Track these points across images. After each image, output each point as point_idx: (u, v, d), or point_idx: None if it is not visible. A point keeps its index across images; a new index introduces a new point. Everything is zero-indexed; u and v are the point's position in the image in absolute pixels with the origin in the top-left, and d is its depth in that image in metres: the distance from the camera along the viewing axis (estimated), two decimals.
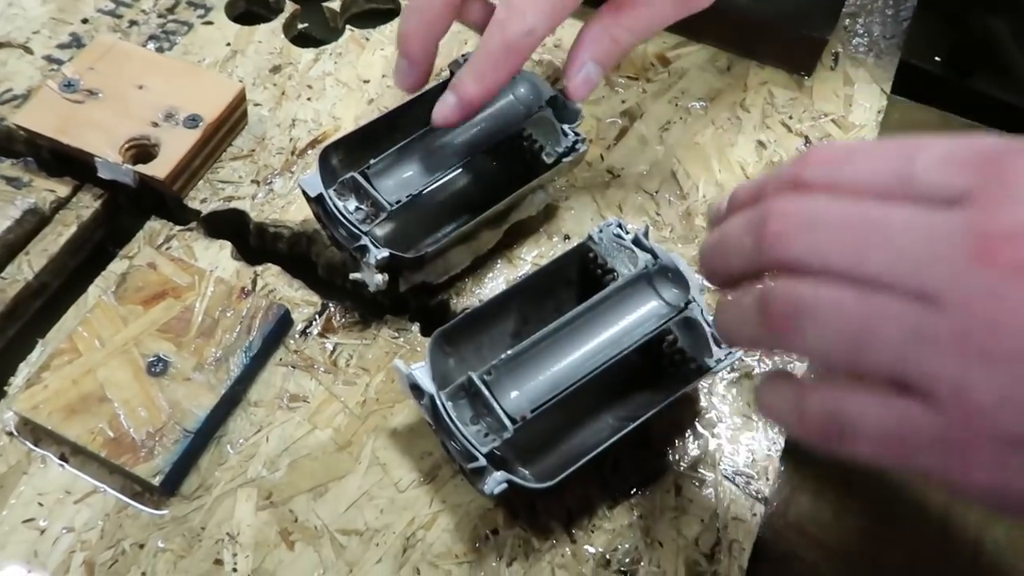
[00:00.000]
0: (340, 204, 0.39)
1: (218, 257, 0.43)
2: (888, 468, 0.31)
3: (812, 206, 0.24)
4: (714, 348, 0.37)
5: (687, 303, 0.37)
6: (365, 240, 0.39)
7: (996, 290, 0.21)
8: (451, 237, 0.40)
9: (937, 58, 0.59)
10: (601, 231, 0.39)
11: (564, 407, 0.36)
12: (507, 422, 0.33)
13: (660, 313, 0.37)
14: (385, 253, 0.39)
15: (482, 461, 0.33)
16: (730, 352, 0.36)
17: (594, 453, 0.34)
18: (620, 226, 0.39)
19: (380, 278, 0.39)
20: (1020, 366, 0.21)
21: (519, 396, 0.36)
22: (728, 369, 0.41)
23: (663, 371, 0.38)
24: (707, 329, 0.37)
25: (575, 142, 0.42)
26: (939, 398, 0.22)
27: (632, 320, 0.37)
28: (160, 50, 0.52)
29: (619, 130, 0.50)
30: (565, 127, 0.42)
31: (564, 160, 0.42)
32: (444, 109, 0.38)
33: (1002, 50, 0.52)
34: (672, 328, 0.38)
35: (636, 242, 0.38)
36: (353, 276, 0.40)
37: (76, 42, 0.52)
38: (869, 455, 0.24)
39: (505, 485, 0.32)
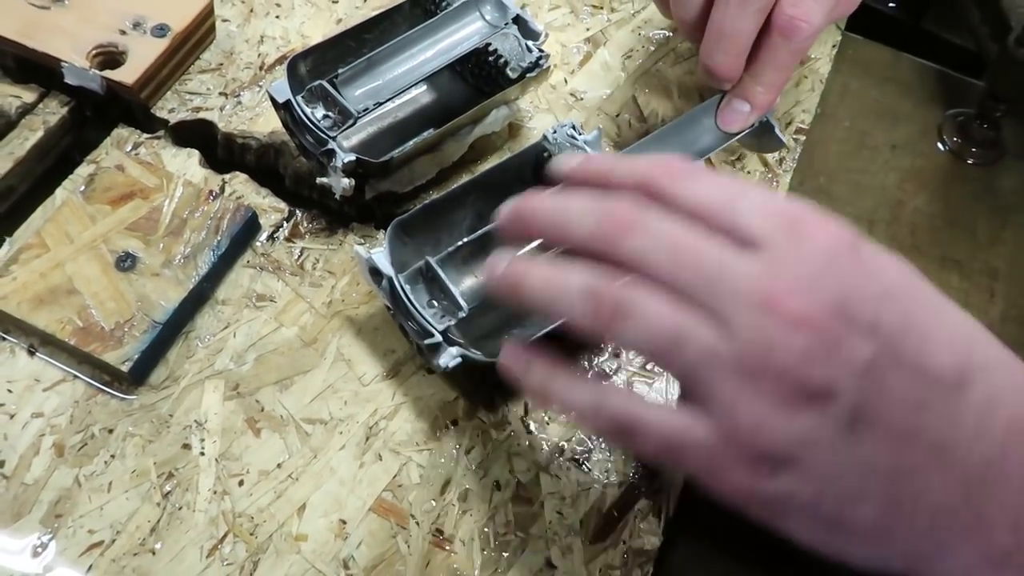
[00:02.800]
0: (308, 111, 0.40)
1: (186, 164, 0.44)
2: (663, 465, 0.36)
3: (651, 218, 0.28)
4: None
5: None
6: (332, 144, 0.40)
7: (771, 332, 0.25)
8: (415, 146, 0.41)
9: (892, 3, 0.61)
10: (555, 131, 0.40)
11: None
12: (462, 303, 0.35)
13: None
14: (351, 157, 0.40)
15: (438, 337, 0.34)
16: None
17: (540, 333, 0.36)
18: (574, 127, 0.41)
19: (346, 182, 0.40)
20: (777, 395, 0.25)
21: (473, 283, 0.38)
22: None
23: None
24: None
25: (538, 58, 0.43)
26: (713, 412, 0.26)
27: None
28: None
29: (583, 55, 0.51)
30: (529, 43, 0.44)
31: (528, 76, 0.43)
32: (737, 118, 0.41)
33: None
34: None
35: (589, 142, 0.40)
36: (320, 180, 0.41)
37: None
38: (651, 453, 0.28)
39: (459, 359, 0.34)
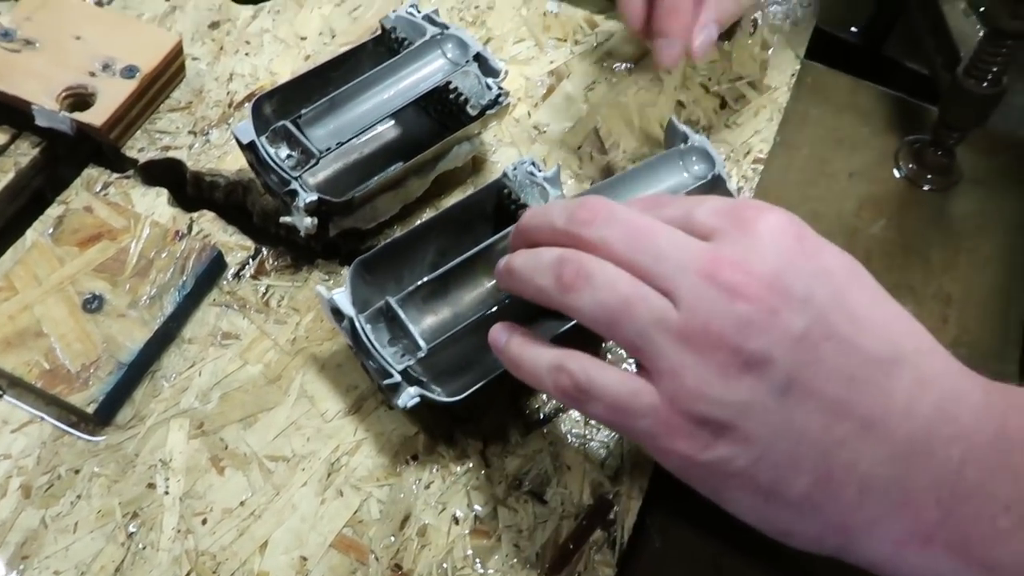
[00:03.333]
0: (272, 151, 0.41)
1: (155, 203, 0.45)
2: (614, 430, 0.38)
3: (617, 207, 0.31)
4: None
5: None
6: (295, 184, 0.41)
7: (713, 301, 0.28)
8: (378, 183, 0.42)
9: (854, 28, 0.62)
10: (515, 168, 0.41)
11: (480, 330, 0.38)
12: (421, 343, 0.36)
13: None
14: (314, 197, 0.41)
15: (397, 377, 0.35)
16: None
17: (496, 373, 0.37)
18: (533, 164, 0.41)
19: (309, 221, 0.41)
20: (716, 362, 0.27)
21: (434, 321, 0.39)
22: None
23: None
24: None
25: (498, 96, 0.44)
26: (660, 376, 0.28)
27: None
28: (99, 4, 0.52)
29: (547, 88, 0.52)
30: (489, 81, 0.45)
31: (488, 112, 0.44)
32: (670, 51, 0.42)
33: (910, 20, 0.56)
34: None
35: (548, 179, 0.41)
36: (284, 220, 0.42)
37: None
38: (602, 417, 0.30)
39: (417, 399, 0.35)
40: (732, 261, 0.28)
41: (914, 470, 0.28)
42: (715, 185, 0.43)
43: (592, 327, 0.30)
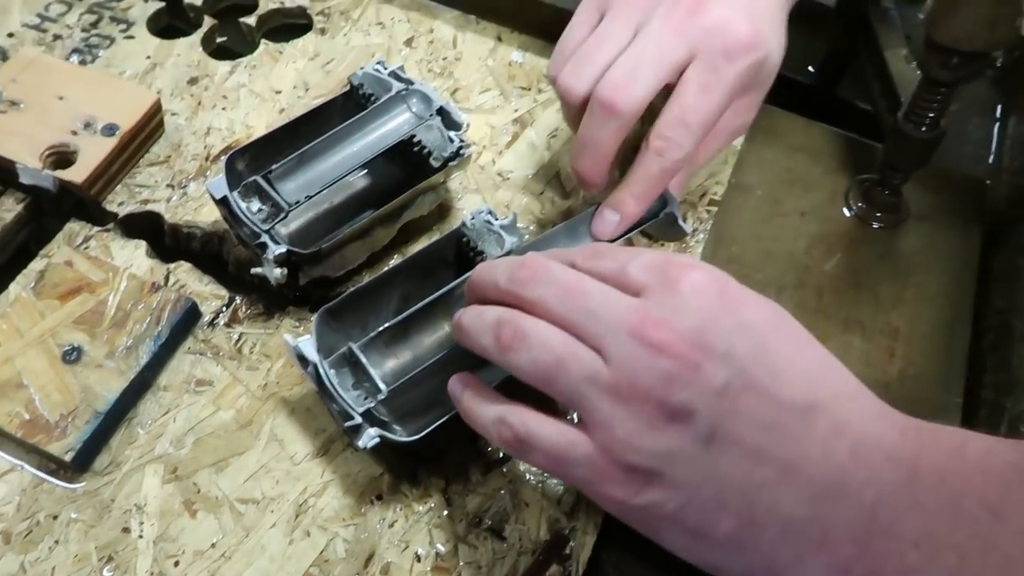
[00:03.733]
0: (243, 205, 0.44)
1: (133, 255, 0.47)
2: (554, 477, 0.40)
3: (554, 267, 0.33)
4: None
5: None
6: (264, 237, 0.43)
7: (639, 358, 0.30)
8: (345, 234, 0.45)
9: (811, 67, 0.64)
10: (473, 217, 0.44)
11: (441, 372, 0.41)
12: (381, 386, 0.38)
13: None
14: (283, 249, 0.43)
15: (358, 420, 0.37)
16: None
17: (452, 413, 0.39)
18: (490, 212, 0.44)
19: (279, 272, 0.43)
20: (644, 414, 0.29)
21: (396, 364, 0.41)
22: None
23: None
24: None
25: (459, 148, 0.47)
26: (594, 428, 0.30)
27: None
28: (83, 63, 0.55)
29: (511, 136, 0.54)
30: (452, 134, 0.47)
31: (450, 164, 0.47)
32: (607, 226, 0.44)
33: (858, 62, 0.58)
34: None
35: (505, 227, 0.43)
36: (255, 271, 0.44)
37: (2, 55, 0.55)
38: (542, 465, 0.33)
39: (377, 439, 0.37)
40: (657, 319, 0.30)
41: (831, 511, 0.29)
42: (670, 224, 0.45)
43: (531, 384, 0.32)
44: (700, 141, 0.42)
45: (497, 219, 0.44)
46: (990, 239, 0.55)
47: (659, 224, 0.45)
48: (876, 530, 0.29)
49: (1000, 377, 0.47)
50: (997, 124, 0.64)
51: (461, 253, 0.45)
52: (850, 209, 0.54)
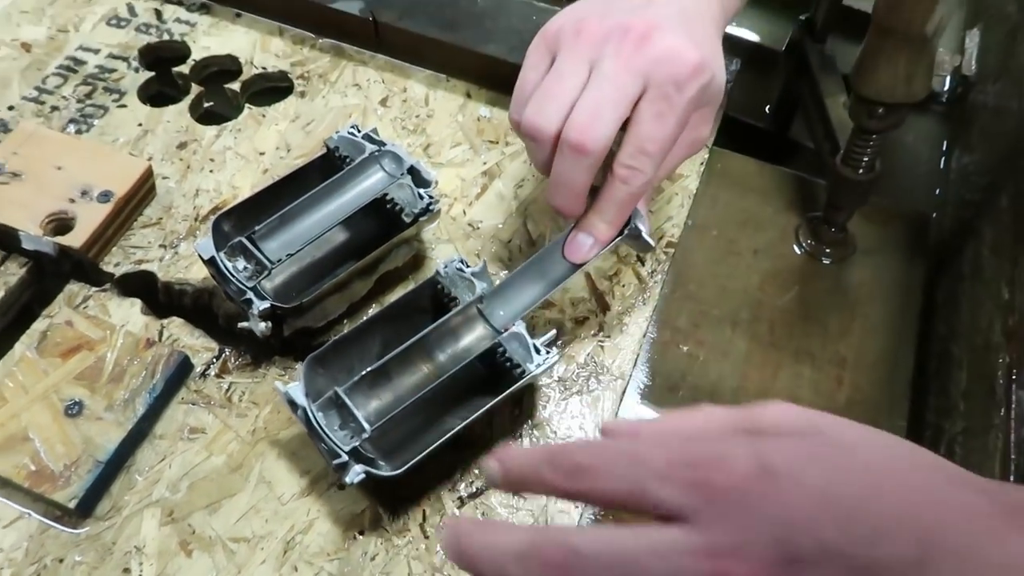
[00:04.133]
0: (229, 264, 0.47)
1: (129, 313, 0.51)
2: None
3: (580, 546, 0.27)
4: (534, 356, 0.45)
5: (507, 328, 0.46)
6: (250, 294, 0.46)
7: None
8: (325, 287, 0.48)
9: (768, 108, 0.68)
10: (446, 266, 0.47)
11: (422, 411, 0.44)
12: (365, 425, 0.41)
13: (489, 333, 0.47)
14: (267, 304, 0.46)
15: (344, 458, 0.41)
16: (546, 359, 0.45)
17: (431, 448, 0.42)
18: (462, 261, 0.47)
19: (264, 326, 0.46)
20: None
21: (379, 404, 0.45)
22: (556, 380, 0.49)
23: (499, 377, 0.46)
24: (530, 342, 0.45)
25: (428, 204, 0.50)
26: None
27: (468, 340, 0.47)
28: (79, 132, 0.59)
29: (480, 187, 0.58)
30: (421, 191, 0.51)
31: (420, 219, 0.50)
32: (581, 250, 0.46)
33: (804, 107, 0.62)
34: (502, 342, 0.46)
35: (476, 274, 0.47)
36: (241, 325, 0.47)
37: (3, 127, 0.59)
38: None
39: (363, 475, 0.41)
40: (729, 556, 0.26)
41: None
42: (635, 238, 0.48)
43: None
44: (660, 164, 0.45)
45: (468, 267, 0.48)
46: (936, 269, 0.59)
47: (626, 240, 0.48)
48: None
49: (941, 401, 0.51)
50: (943, 158, 0.68)
51: (436, 299, 0.49)
52: (800, 246, 0.57)
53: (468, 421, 0.44)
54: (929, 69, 0.45)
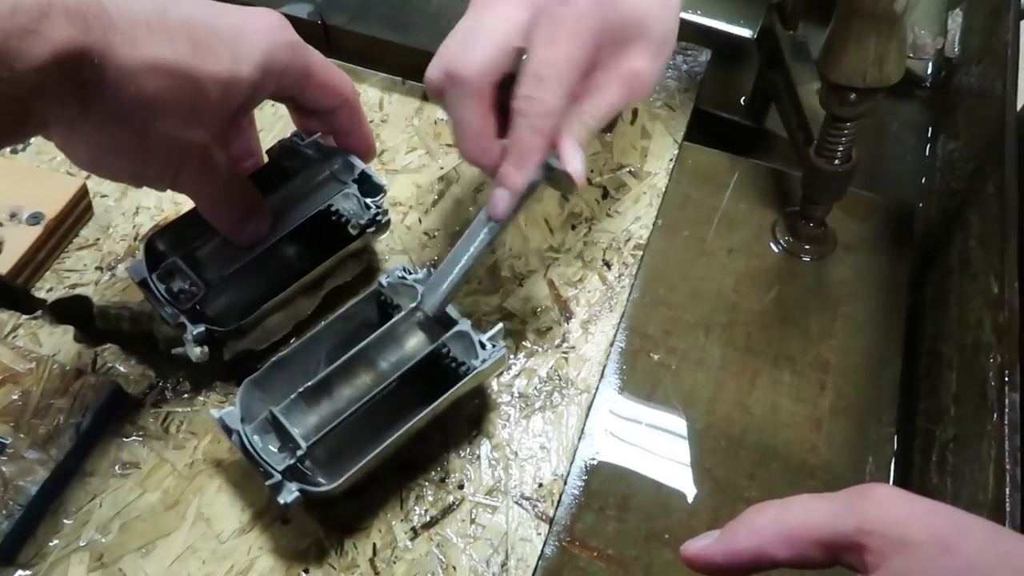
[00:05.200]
0: (162, 287, 0.44)
1: (61, 341, 0.48)
2: None
3: None
4: (479, 352, 0.42)
5: (454, 321, 0.43)
6: (182, 318, 0.43)
7: None
8: (266, 307, 0.45)
9: (742, 100, 0.65)
10: (388, 276, 0.44)
11: (366, 424, 0.42)
12: (300, 442, 0.39)
13: (433, 336, 0.44)
14: (201, 328, 0.43)
15: (277, 477, 0.38)
16: (491, 353, 0.42)
17: (371, 456, 0.39)
18: (404, 269, 0.44)
19: (199, 351, 0.43)
20: None
21: (317, 420, 0.42)
22: (518, 396, 0.46)
23: (446, 381, 0.43)
24: (474, 337, 0.42)
25: (376, 215, 0.47)
26: None
27: (411, 346, 0.45)
28: (14, 151, 0.56)
29: (437, 194, 0.55)
30: (368, 201, 0.48)
31: (367, 232, 0.47)
32: (501, 203, 0.42)
33: (778, 96, 0.59)
34: (446, 342, 0.43)
35: (419, 281, 0.44)
36: (176, 351, 0.44)
37: None
38: None
39: (297, 494, 0.38)
40: None
41: None
42: (550, 171, 0.43)
43: None
44: (564, 93, 0.40)
45: (411, 274, 0.45)
46: (922, 263, 0.56)
47: (545, 180, 0.43)
48: None
49: (931, 404, 0.47)
50: (928, 145, 0.64)
51: (382, 310, 0.46)
52: (777, 243, 0.54)
53: (411, 423, 0.41)
54: (901, 50, 0.42)
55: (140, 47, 0.35)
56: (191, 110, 0.37)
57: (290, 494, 0.38)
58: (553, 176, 0.43)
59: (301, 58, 0.42)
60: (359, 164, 0.48)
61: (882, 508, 0.28)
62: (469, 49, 0.39)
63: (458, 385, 0.41)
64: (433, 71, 0.42)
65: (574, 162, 0.41)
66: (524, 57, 0.40)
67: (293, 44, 0.41)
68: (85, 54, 0.34)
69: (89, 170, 0.41)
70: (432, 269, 0.45)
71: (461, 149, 0.42)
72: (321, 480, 0.41)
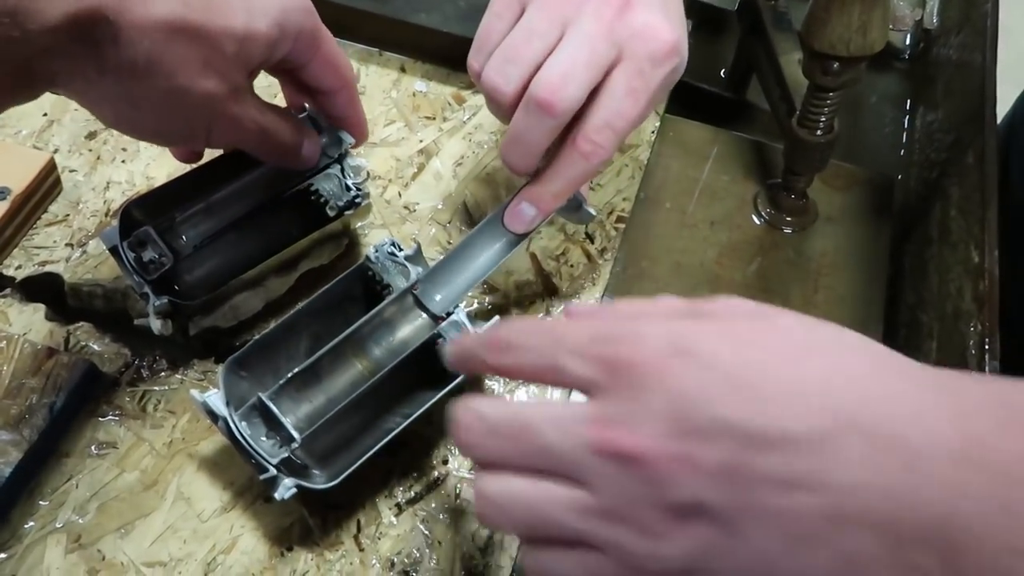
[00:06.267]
0: (131, 255, 0.43)
1: (32, 320, 0.46)
2: None
3: (487, 414, 0.30)
4: None
5: (449, 313, 0.42)
6: (147, 288, 0.42)
7: (616, 476, 0.27)
8: (234, 284, 0.44)
9: (723, 71, 0.65)
10: (377, 251, 0.43)
11: (358, 412, 0.41)
12: (295, 434, 0.38)
13: (427, 323, 0.43)
14: (164, 300, 0.42)
15: (272, 472, 0.37)
16: None
17: (368, 454, 0.39)
18: (394, 244, 0.43)
19: (159, 323, 0.42)
20: (650, 527, 0.27)
21: (309, 408, 0.41)
22: (503, 381, 0.46)
23: (441, 370, 0.42)
24: (471, 329, 0.42)
25: (355, 197, 0.46)
26: (609, 551, 0.28)
27: (404, 331, 0.43)
28: None
29: (417, 167, 0.54)
30: (349, 182, 0.47)
31: (346, 213, 0.46)
32: (524, 219, 0.43)
33: (759, 67, 0.59)
34: (441, 332, 0.42)
35: (409, 258, 0.43)
36: (137, 322, 0.43)
37: None
38: None
39: (294, 489, 0.37)
40: (618, 426, 0.27)
41: (904, 541, 0.25)
42: (576, 209, 0.45)
43: (529, 537, 0.30)
44: (622, 142, 0.42)
45: (401, 250, 0.44)
46: (903, 234, 0.56)
47: (567, 209, 0.45)
48: (960, 545, 0.25)
49: None
50: (907, 117, 0.64)
51: (368, 288, 0.45)
52: (759, 216, 0.54)
53: (409, 420, 0.40)
54: (884, 18, 0.42)
55: (153, 5, 0.35)
56: (207, 65, 0.37)
57: (288, 490, 0.37)
58: (572, 207, 0.45)
59: (313, 23, 0.42)
60: (348, 140, 0.47)
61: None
62: (568, 85, 0.39)
63: (456, 382, 0.41)
64: (479, 69, 0.42)
65: (511, 212, 0.44)
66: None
67: (307, 8, 0.41)
68: (98, 13, 0.33)
69: (116, 127, 0.40)
70: (418, 242, 0.44)
71: (509, 155, 0.42)
72: (315, 472, 0.40)
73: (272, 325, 0.46)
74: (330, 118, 0.46)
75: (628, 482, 0.27)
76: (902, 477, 0.25)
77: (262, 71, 0.42)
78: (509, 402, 0.32)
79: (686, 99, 0.62)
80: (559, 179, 0.42)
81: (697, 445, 0.26)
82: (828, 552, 0.26)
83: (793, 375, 0.27)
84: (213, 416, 0.39)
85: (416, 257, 0.44)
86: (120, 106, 0.38)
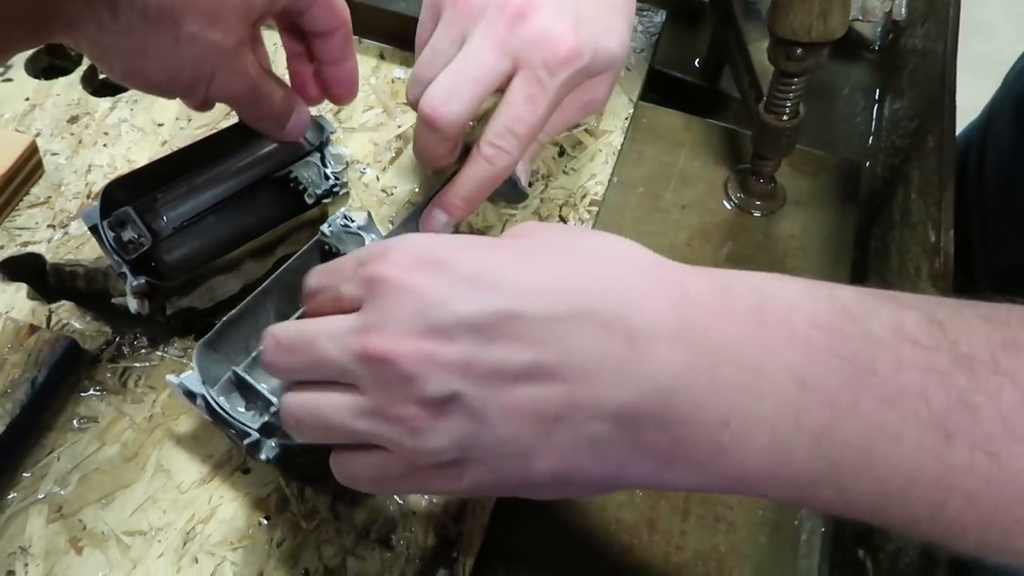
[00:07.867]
0: (111, 235, 0.44)
1: (14, 299, 0.47)
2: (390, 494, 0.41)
3: (278, 333, 0.34)
4: None
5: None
6: (124, 268, 0.43)
7: (377, 376, 0.30)
8: (210, 266, 0.45)
9: (697, 61, 0.66)
10: (330, 224, 0.45)
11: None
12: (272, 399, 0.39)
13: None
14: (141, 280, 0.43)
15: (255, 436, 0.38)
16: None
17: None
18: (346, 216, 0.45)
19: (136, 303, 0.43)
20: (413, 422, 0.30)
21: None
22: None
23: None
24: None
25: (334, 185, 0.47)
26: (390, 446, 0.31)
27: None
28: None
29: (395, 152, 0.55)
30: (328, 171, 0.48)
31: (324, 201, 0.47)
32: (436, 225, 0.45)
33: (731, 56, 0.60)
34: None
35: (362, 228, 0.44)
36: (115, 301, 0.44)
37: None
38: (373, 491, 0.36)
39: (278, 449, 0.38)
40: (372, 331, 0.30)
41: (630, 412, 0.29)
42: (510, 187, 0.47)
43: (320, 444, 0.34)
44: (528, 145, 0.43)
45: (353, 221, 0.45)
46: (868, 218, 0.58)
47: (500, 193, 0.46)
48: (678, 418, 0.28)
49: None
50: (876, 106, 0.66)
51: (326, 259, 0.46)
52: (729, 200, 0.55)
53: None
54: (844, 5, 0.43)
55: None
56: (215, 13, 0.38)
57: (272, 450, 0.38)
58: (500, 190, 0.46)
59: None
60: (329, 126, 0.48)
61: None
62: (452, 100, 0.41)
63: None
64: (413, 99, 0.44)
65: (525, 178, 0.46)
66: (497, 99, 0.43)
67: None
68: None
69: (123, 80, 0.41)
70: (369, 212, 0.46)
71: (418, 158, 0.45)
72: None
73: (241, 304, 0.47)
74: (327, 62, 0.46)
75: (386, 382, 0.30)
76: (626, 356, 0.29)
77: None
78: (298, 321, 0.34)
79: (661, 87, 0.64)
80: (466, 184, 0.44)
81: (440, 342, 0.29)
82: (572, 435, 0.29)
83: (532, 273, 0.30)
84: (191, 395, 0.40)
85: (368, 226, 0.45)
86: (132, 57, 0.38)
